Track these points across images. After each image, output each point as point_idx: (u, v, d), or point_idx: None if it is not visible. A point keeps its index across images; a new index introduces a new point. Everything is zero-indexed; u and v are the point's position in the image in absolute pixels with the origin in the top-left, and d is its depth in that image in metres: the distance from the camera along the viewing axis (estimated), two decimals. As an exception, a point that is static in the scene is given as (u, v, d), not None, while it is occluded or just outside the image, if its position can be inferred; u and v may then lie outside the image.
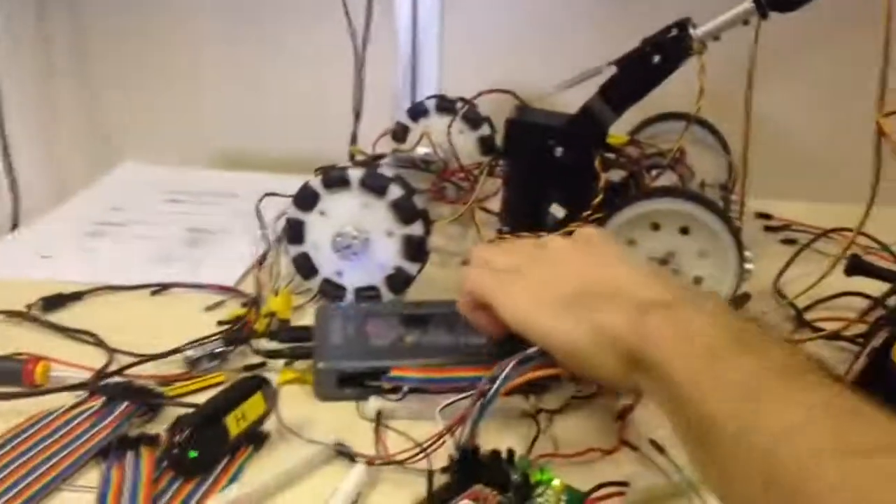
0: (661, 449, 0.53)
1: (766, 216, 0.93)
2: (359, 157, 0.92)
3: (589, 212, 0.70)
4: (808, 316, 0.72)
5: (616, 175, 0.75)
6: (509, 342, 0.55)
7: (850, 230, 0.69)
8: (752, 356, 0.42)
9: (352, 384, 0.60)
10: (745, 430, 0.38)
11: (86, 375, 0.61)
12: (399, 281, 0.72)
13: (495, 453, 0.51)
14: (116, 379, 0.61)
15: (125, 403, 0.56)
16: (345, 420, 0.58)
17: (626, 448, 0.55)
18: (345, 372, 0.59)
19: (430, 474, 0.49)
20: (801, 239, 0.86)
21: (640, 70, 0.71)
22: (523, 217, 0.76)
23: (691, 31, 0.69)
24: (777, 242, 0.88)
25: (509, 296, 0.54)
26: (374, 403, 0.58)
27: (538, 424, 0.56)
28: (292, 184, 0.72)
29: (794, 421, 0.37)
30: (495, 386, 0.50)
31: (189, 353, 0.62)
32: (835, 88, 1.06)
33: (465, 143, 0.94)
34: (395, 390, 0.58)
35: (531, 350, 0.52)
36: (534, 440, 0.55)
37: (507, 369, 0.51)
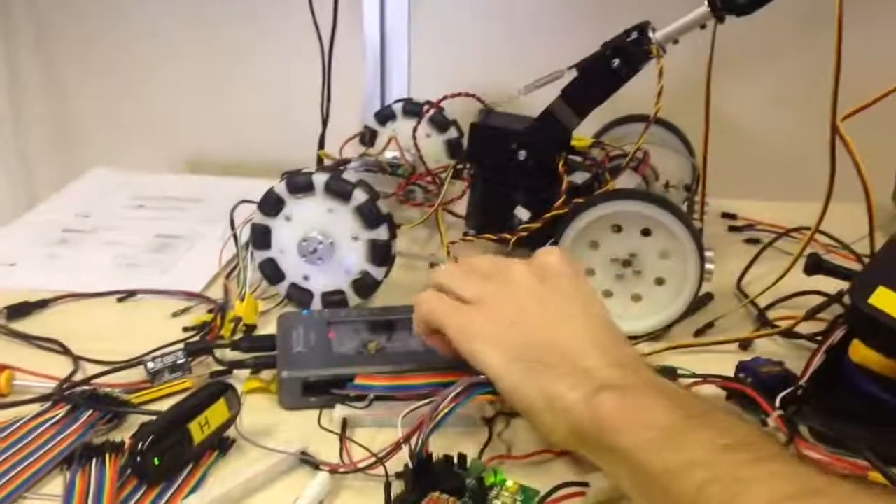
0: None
1: (731, 216, 0.94)
2: (327, 162, 0.93)
3: (552, 214, 0.71)
4: (770, 314, 0.73)
5: (580, 177, 0.76)
6: None
7: (811, 229, 0.70)
8: (709, 433, 0.43)
9: (316, 392, 0.60)
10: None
11: (50, 384, 0.61)
12: (365, 285, 0.72)
13: (448, 459, 0.51)
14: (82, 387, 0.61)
15: (89, 411, 0.56)
16: (311, 427, 0.58)
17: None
18: (309, 380, 0.59)
19: (388, 484, 0.50)
20: (765, 238, 0.87)
21: (601, 74, 0.72)
22: (489, 219, 0.77)
23: (650, 34, 0.70)
24: (741, 242, 0.89)
25: (465, 328, 0.53)
26: (339, 412, 0.58)
27: (490, 428, 0.57)
28: (261, 189, 0.72)
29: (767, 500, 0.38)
30: (443, 406, 0.51)
31: (150, 365, 0.61)
32: (797, 89, 1.07)
33: (433, 147, 0.94)
34: (360, 398, 0.58)
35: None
36: (485, 444, 0.56)
37: (455, 392, 0.52)
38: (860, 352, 0.58)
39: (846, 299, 0.60)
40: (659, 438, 0.43)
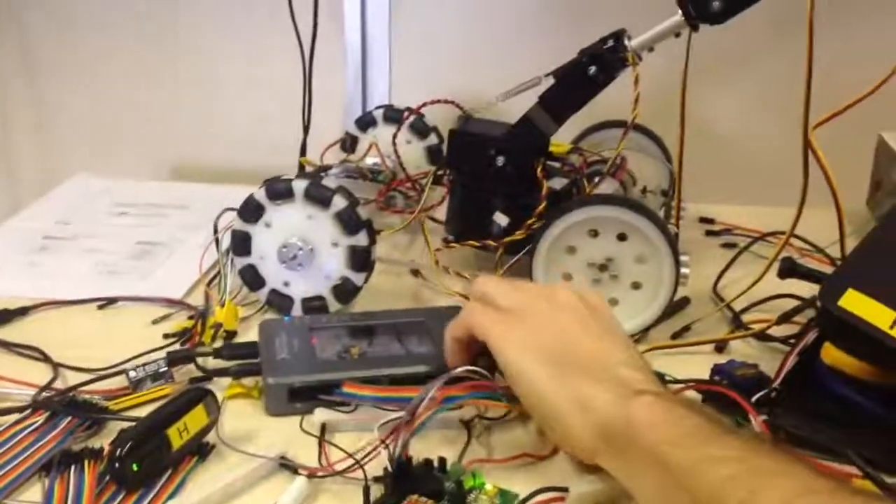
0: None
1: (709, 220, 0.95)
2: (308, 168, 0.93)
3: (532, 220, 0.71)
4: (745, 317, 0.74)
5: (558, 183, 0.76)
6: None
7: (786, 233, 0.71)
8: (738, 439, 0.45)
9: (302, 398, 0.60)
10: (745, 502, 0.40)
11: (30, 391, 0.61)
12: (345, 291, 0.73)
13: (428, 462, 0.52)
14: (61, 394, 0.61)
15: (68, 418, 0.56)
16: (291, 432, 0.58)
17: (561, 453, 0.56)
18: (295, 386, 0.60)
19: (367, 488, 0.51)
20: (742, 243, 0.88)
21: (578, 81, 0.72)
22: (468, 225, 0.78)
23: (626, 42, 0.71)
24: (718, 247, 0.90)
25: (506, 336, 0.54)
26: (318, 416, 0.58)
27: (469, 433, 0.57)
28: (244, 195, 0.72)
29: (787, 496, 0.39)
30: (421, 409, 0.52)
31: (132, 374, 0.62)
32: (772, 95, 1.08)
33: (414, 153, 0.95)
34: (346, 403, 0.59)
35: (459, 370, 0.55)
36: (465, 447, 0.56)
37: (433, 391, 0.53)
38: (832, 354, 0.59)
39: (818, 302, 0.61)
40: (688, 436, 0.45)
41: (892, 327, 0.53)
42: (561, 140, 0.83)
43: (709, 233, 0.93)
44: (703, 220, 0.95)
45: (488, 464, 0.55)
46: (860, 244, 0.61)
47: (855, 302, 0.55)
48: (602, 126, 0.90)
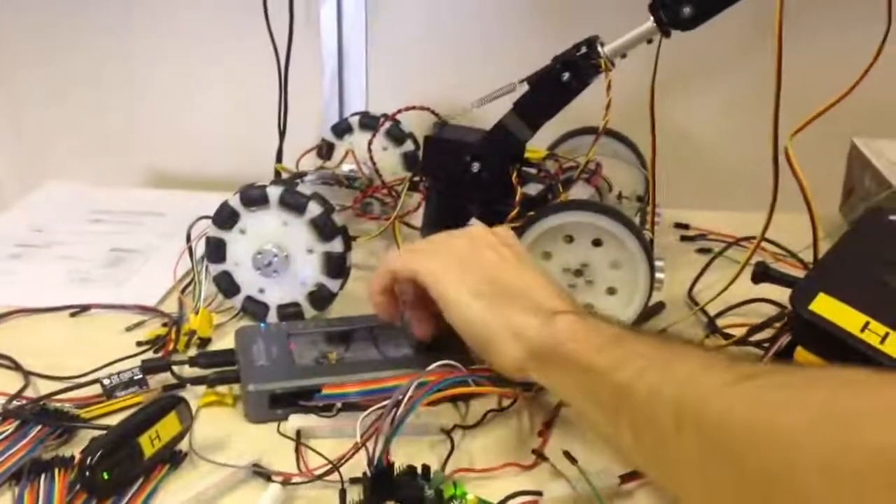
0: (573, 459, 0.55)
1: (684, 226, 0.95)
2: (284, 175, 0.93)
3: (506, 225, 0.71)
4: (720, 322, 0.75)
5: (533, 189, 0.76)
6: (429, 348, 0.61)
7: (759, 238, 0.71)
8: (651, 337, 0.51)
9: (283, 404, 0.60)
10: (656, 386, 0.44)
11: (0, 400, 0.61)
12: (321, 297, 0.72)
13: (411, 469, 0.52)
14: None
15: (39, 426, 0.56)
16: (268, 439, 0.58)
17: (542, 462, 0.56)
18: (276, 393, 0.59)
19: (343, 492, 0.50)
20: (717, 248, 0.89)
21: (551, 87, 0.73)
22: (443, 231, 0.77)
23: (599, 48, 0.71)
24: (693, 252, 0.91)
25: (434, 269, 0.59)
26: (293, 422, 0.58)
27: (452, 440, 0.57)
28: (218, 202, 0.72)
29: (693, 371, 0.43)
30: (402, 405, 0.52)
31: (105, 381, 0.61)
32: (745, 100, 1.09)
33: (390, 159, 0.95)
34: (327, 408, 0.59)
35: (432, 367, 0.56)
36: (448, 455, 0.56)
37: (411, 389, 0.53)
38: (805, 358, 0.59)
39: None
40: (606, 343, 0.49)
41: (862, 331, 0.54)
42: (536, 146, 0.83)
43: (683, 238, 0.94)
44: (678, 225, 0.96)
45: (471, 473, 0.55)
46: (831, 249, 0.62)
47: (826, 306, 0.55)
48: (578, 132, 0.91)
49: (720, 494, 0.40)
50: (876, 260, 0.59)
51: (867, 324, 0.54)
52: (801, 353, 0.60)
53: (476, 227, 0.64)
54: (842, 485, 0.33)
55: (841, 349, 0.54)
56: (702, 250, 0.91)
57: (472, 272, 0.58)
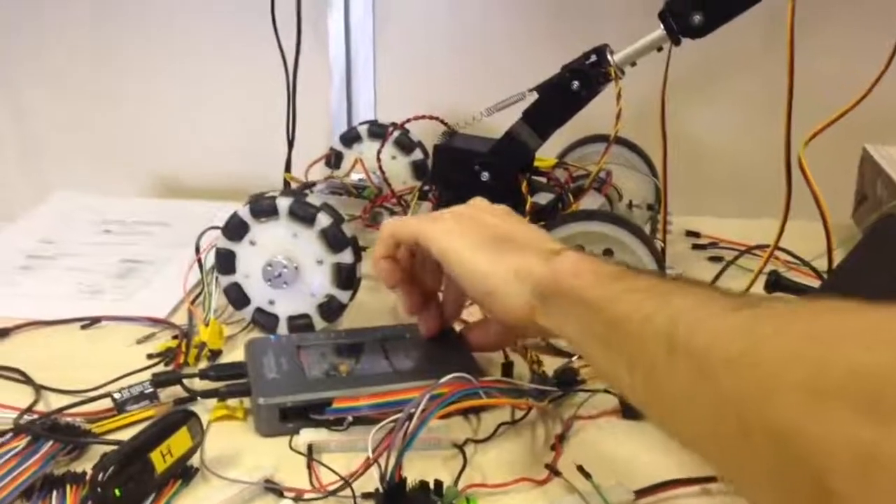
0: (587, 475, 0.54)
1: (695, 234, 0.95)
2: (293, 185, 0.93)
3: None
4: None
5: (543, 198, 0.76)
6: (440, 350, 0.62)
7: (772, 246, 0.71)
8: (650, 274, 0.52)
9: (293, 418, 0.59)
10: (649, 317, 0.44)
11: (11, 414, 0.60)
12: (331, 309, 0.72)
13: (423, 485, 0.52)
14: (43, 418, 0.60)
15: (50, 442, 0.56)
16: (279, 453, 0.57)
17: (555, 477, 0.55)
18: (286, 406, 0.59)
19: (355, 508, 0.50)
20: (728, 256, 0.88)
21: (561, 96, 0.72)
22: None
23: (608, 57, 0.71)
24: (705, 260, 0.90)
25: (435, 228, 0.60)
26: (304, 437, 0.58)
27: (464, 455, 0.57)
28: (229, 212, 0.72)
29: (687, 303, 0.43)
30: (413, 421, 0.52)
31: (116, 395, 0.61)
32: (757, 107, 1.08)
33: (399, 168, 0.95)
34: (338, 421, 0.58)
35: (444, 379, 0.55)
36: (461, 470, 0.55)
37: (423, 401, 0.53)
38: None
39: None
40: (606, 278, 0.50)
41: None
42: (546, 155, 0.83)
43: (695, 246, 0.93)
44: (689, 233, 0.95)
45: (484, 488, 0.54)
46: (845, 258, 0.61)
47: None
48: (587, 140, 0.91)
49: (702, 420, 0.39)
50: (891, 269, 0.59)
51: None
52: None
53: (477, 199, 0.65)
54: (817, 404, 0.33)
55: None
56: (713, 258, 0.90)
57: (474, 229, 0.59)
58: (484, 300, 0.58)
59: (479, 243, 0.58)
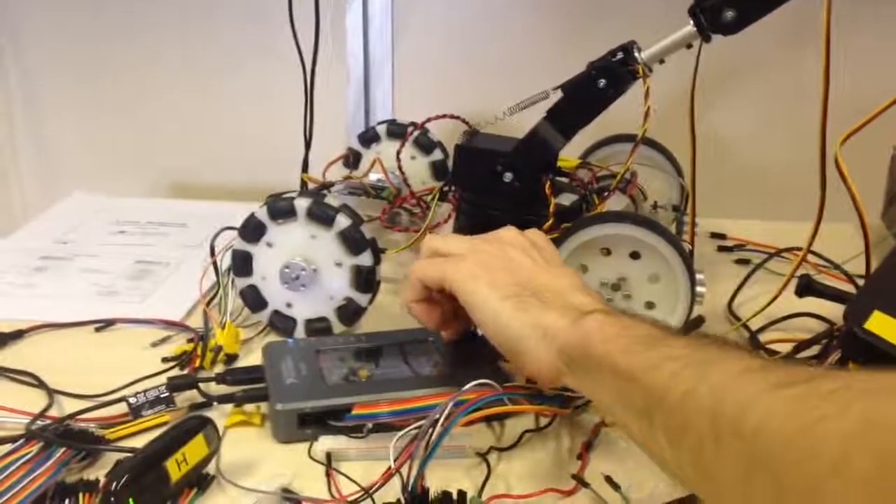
0: (615, 486, 0.52)
1: (721, 236, 0.93)
2: (310, 185, 0.91)
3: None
4: (762, 337, 0.72)
5: (566, 199, 0.74)
6: (463, 364, 0.58)
7: (802, 249, 0.69)
8: (685, 339, 0.48)
9: (312, 424, 0.58)
10: (691, 391, 0.42)
11: (24, 419, 0.59)
12: (350, 312, 0.71)
13: (446, 495, 0.50)
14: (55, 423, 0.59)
15: (62, 449, 0.54)
16: (297, 461, 0.56)
17: (582, 487, 0.54)
18: (305, 412, 0.58)
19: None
20: (755, 258, 0.86)
21: (587, 94, 0.70)
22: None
23: (636, 54, 0.69)
24: (731, 263, 0.88)
25: (461, 272, 0.57)
26: (323, 444, 0.56)
27: (488, 464, 0.55)
28: (245, 213, 0.70)
29: (729, 375, 0.41)
30: (437, 429, 0.50)
31: (131, 400, 0.59)
32: (786, 107, 1.07)
33: (418, 169, 0.93)
34: (357, 428, 0.57)
35: (468, 386, 0.54)
36: (485, 481, 0.54)
37: (447, 408, 0.51)
38: (856, 377, 0.56)
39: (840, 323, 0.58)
40: (638, 343, 0.47)
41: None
42: (569, 155, 0.81)
43: (721, 248, 0.91)
44: (715, 235, 0.93)
45: (510, 499, 0.52)
46: (884, 262, 0.59)
47: (881, 324, 0.52)
48: (611, 140, 0.89)
49: None
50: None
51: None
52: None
53: (506, 229, 0.62)
54: (887, 499, 0.31)
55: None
56: (740, 261, 0.88)
57: (500, 276, 0.56)
58: (510, 353, 0.55)
59: (505, 294, 0.55)
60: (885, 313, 0.53)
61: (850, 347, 0.55)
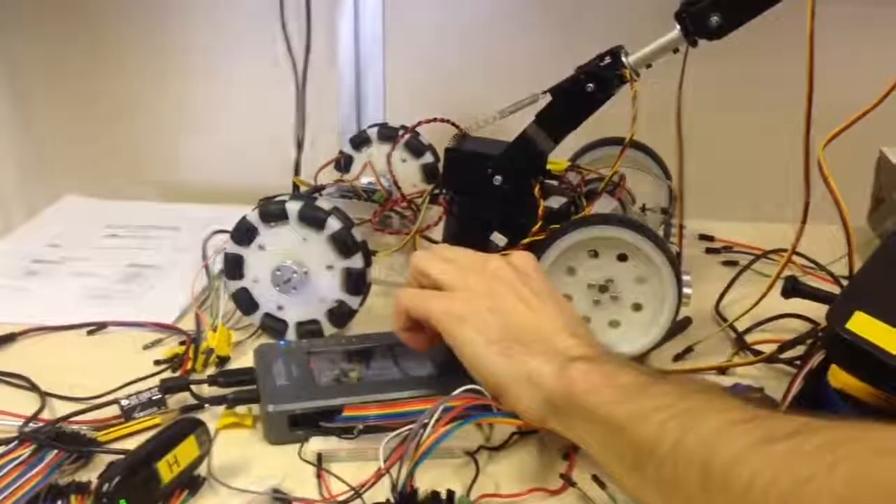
0: (602, 484, 0.53)
1: (709, 238, 0.94)
2: (302, 189, 0.92)
3: (529, 239, 0.70)
4: (749, 338, 0.73)
5: (556, 202, 0.75)
6: (453, 368, 0.57)
7: (787, 251, 0.70)
8: (669, 385, 0.48)
9: (303, 425, 0.58)
10: (680, 442, 0.42)
11: (16, 422, 0.60)
12: (341, 314, 0.71)
13: (435, 495, 0.51)
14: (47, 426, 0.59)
15: (54, 451, 0.55)
16: (288, 462, 0.57)
17: (570, 487, 0.54)
18: (296, 413, 0.58)
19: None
20: (742, 260, 0.87)
21: (575, 98, 0.71)
22: (465, 245, 0.75)
23: (623, 58, 0.69)
24: (719, 264, 0.89)
25: (447, 314, 0.56)
26: (313, 445, 0.57)
27: (477, 464, 0.56)
28: (237, 216, 0.71)
29: (716, 428, 0.42)
30: (427, 433, 0.51)
31: (123, 402, 0.60)
32: (772, 110, 1.07)
33: (409, 172, 0.94)
34: (348, 429, 0.57)
35: (456, 392, 0.54)
36: (473, 480, 0.54)
37: (437, 413, 0.52)
38: (839, 377, 0.57)
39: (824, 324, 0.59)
40: (623, 394, 0.47)
41: (899, 350, 0.52)
42: (558, 158, 0.82)
43: (708, 250, 0.92)
44: (703, 237, 0.94)
45: (498, 499, 0.53)
46: (866, 264, 0.60)
47: (863, 325, 0.53)
48: (600, 143, 0.89)
49: None
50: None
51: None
52: (835, 371, 0.58)
53: (493, 261, 0.60)
54: None
55: (878, 369, 0.53)
56: (727, 263, 0.89)
57: (486, 318, 0.55)
58: (495, 396, 0.55)
59: (491, 339, 0.54)
60: (866, 313, 0.53)
61: (833, 348, 0.56)
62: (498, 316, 0.55)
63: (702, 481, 0.40)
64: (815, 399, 0.59)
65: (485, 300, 0.57)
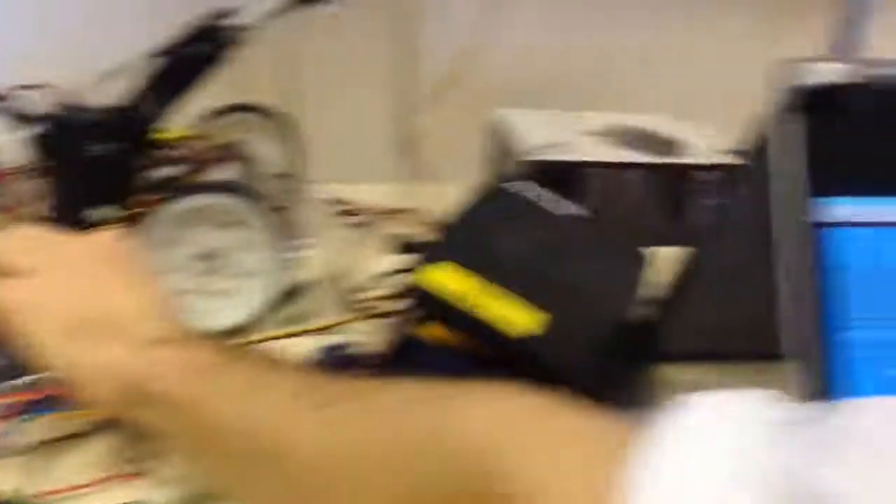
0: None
1: (336, 201, 0.95)
2: None
3: (130, 211, 0.67)
4: (368, 295, 0.75)
5: (166, 172, 0.72)
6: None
7: (408, 210, 0.72)
8: (246, 367, 0.48)
9: None
10: (247, 422, 0.44)
11: None
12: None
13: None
14: None
15: None
16: None
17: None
18: None
19: None
20: (367, 222, 0.90)
21: (183, 61, 0.68)
22: (68, 220, 0.71)
23: (235, 18, 0.68)
24: (344, 227, 0.91)
25: (14, 298, 0.51)
26: None
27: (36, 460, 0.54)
28: None
29: (277, 401, 0.44)
30: None
31: None
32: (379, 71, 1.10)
33: (13, 143, 0.86)
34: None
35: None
36: (33, 476, 0.53)
37: None
38: (430, 329, 0.60)
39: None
40: (195, 375, 0.47)
41: (470, 299, 0.56)
42: (179, 125, 0.79)
43: (337, 213, 0.93)
44: (330, 200, 0.95)
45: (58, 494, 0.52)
46: (451, 219, 0.64)
47: (441, 275, 0.57)
48: (230, 109, 0.87)
49: None
50: (488, 229, 0.62)
51: (474, 292, 0.57)
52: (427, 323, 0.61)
53: (76, 241, 0.56)
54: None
55: (450, 314, 0.57)
56: (354, 225, 0.91)
57: (63, 306, 0.51)
58: (72, 387, 0.50)
59: (69, 328, 0.50)
60: (446, 264, 0.57)
61: (420, 300, 0.59)
62: (73, 306, 0.51)
63: (262, 455, 0.43)
64: (413, 351, 0.61)
65: (64, 290, 0.52)
